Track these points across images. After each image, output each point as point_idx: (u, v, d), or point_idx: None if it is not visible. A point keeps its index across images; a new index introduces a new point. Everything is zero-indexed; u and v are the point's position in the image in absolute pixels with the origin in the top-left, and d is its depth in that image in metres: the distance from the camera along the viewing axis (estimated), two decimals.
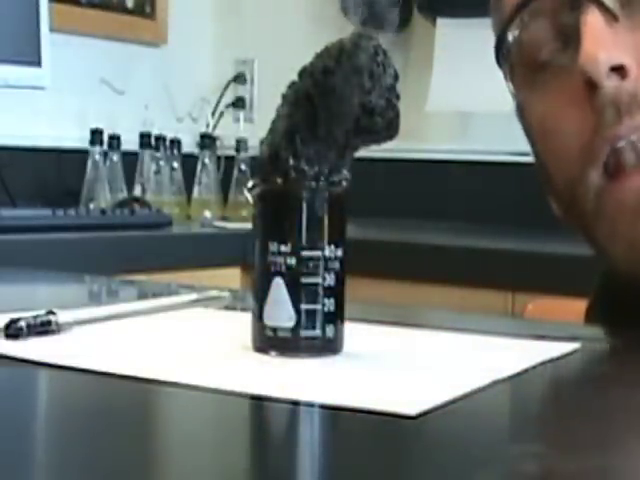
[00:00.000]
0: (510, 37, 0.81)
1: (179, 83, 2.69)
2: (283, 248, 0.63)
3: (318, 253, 0.63)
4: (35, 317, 0.69)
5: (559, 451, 0.48)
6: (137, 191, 2.36)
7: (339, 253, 0.64)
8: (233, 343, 0.67)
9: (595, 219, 0.78)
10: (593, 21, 0.76)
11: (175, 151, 2.45)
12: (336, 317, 0.64)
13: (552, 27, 0.80)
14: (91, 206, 2.19)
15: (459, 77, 2.33)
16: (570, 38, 0.78)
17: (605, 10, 0.76)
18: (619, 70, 0.75)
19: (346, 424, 0.52)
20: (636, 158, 0.76)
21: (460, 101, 2.36)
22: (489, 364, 0.65)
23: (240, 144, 2.51)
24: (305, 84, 0.63)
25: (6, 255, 1.67)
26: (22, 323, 0.67)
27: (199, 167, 2.48)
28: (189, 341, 0.71)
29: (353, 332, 0.66)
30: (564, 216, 0.83)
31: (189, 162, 2.48)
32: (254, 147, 2.17)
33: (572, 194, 0.79)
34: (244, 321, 0.66)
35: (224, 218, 2.41)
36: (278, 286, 0.63)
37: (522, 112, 0.85)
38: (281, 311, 0.63)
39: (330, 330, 0.64)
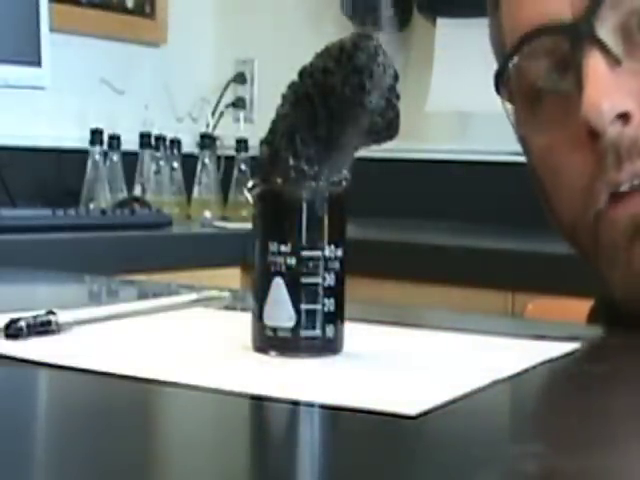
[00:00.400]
0: (510, 66, 0.81)
1: (179, 83, 2.69)
2: (283, 248, 0.63)
3: (318, 253, 0.63)
4: (35, 317, 0.69)
5: (559, 451, 0.48)
6: (137, 191, 2.36)
7: (339, 253, 0.64)
8: (233, 343, 0.67)
9: (594, 249, 0.79)
10: (595, 66, 0.75)
11: (175, 151, 2.45)
12: (336, 317, 0.64)
13: (553, 61, 0.79)
14: (91, 206, 2.19)
15: (459, 77, 2.33)
16: (571, 72, 0.77)
17: (608, 53, 0.76)
18: (622, 116, 0.75)
19: (346, 424, 0.52)
20: (631, 187, 0.76)
21: (460, 101, 2.36)
22: (489, 364, 0.65)
23: (240, 144, 2.51)
24: (305, 84, 0.63)
25: (6, 255, 1.67)
26: (22, 323, 0.67)
27: (199, 167, 2.48)
28: (189, 341, 0.71)
29: (353, 332, 0.66)
30: (568, 245, 0.83)
31: (189, 162, 2.48)
32: (254, 147, 2.17)
33: (573, 229, 0.80)
34: (244, 321, 0.66)
35: (224, 218, 2.41)
36: (278, 286, 0.63)
37: (524, 141, 0.85)
38: (281, 311, 0.63)
39: (330, 330, 0.64)
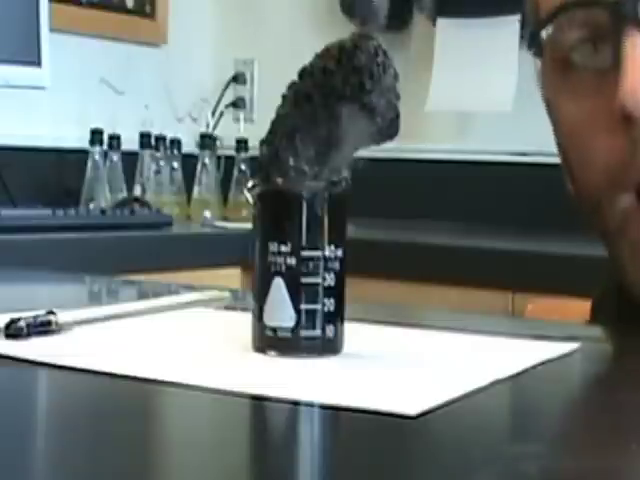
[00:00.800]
0: (544, 34, 0.80)
1: (179, 83, 2.69)
2: (283, 248, 0.63)
3: (318, 253, 0.63)
4: (35, 317, 0.69)
5: (559, 451, 0.48)
6: (137, 191, 2.36)
7: (339, 253, 0.64)
8: (233, 343, 0.67)
9: (618, 238, 0.78)
10: (635, 51, 0.74)
11: (175, 151, 2.45)
12: (336, 317, 0.64)
13: (590, 33, 0.77)
14: (91, 206, 2.19)
15: (459, 77, 2.33)
16: (608, 48, 0.76)
17: None
18: None
19: (346, 424, 0.52)
20: None
21: (460, 101, 2.36)
22: (489, 364, 0.65)
23: (240, 144, 2.51)
24: (305, 84, 0.63)
25: (6, 255, 1.67)
26: (22, 323, 0.67)
27: (199, 167, 2.48)
28: (189, 341, 0.71)
29: (353, 332, 0.66)
30: (586, 219, 0.82)
31: (189, 162, 2.48)
32: (254, 147, 2.17)
33: (597, 207, 0.78)
34: (244, 321, 0.66)
35: (224, 218, 2.41)
36: (278, 286, 0.63)
37: (551, 107, 0.83)
38: (281, 311, 0.63)
39: (330, 330, 0.64)
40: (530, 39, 0.81)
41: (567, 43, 0.78)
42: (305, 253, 0.63)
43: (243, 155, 2.50)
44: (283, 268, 0.63)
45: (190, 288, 0.95)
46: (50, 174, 2.34)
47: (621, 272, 0.79)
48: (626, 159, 0.76)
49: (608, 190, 0.77)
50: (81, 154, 2.28)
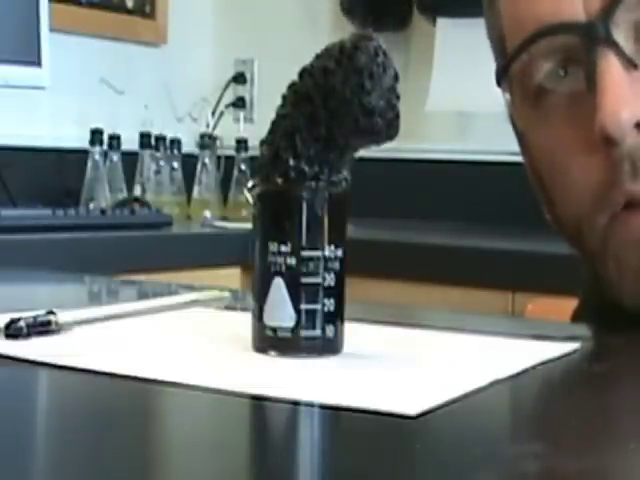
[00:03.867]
0: (515, 62, 0.79)
1: (179, 83, 2.69)
2: (283, 248, 0.63)
3: (318, 253, 0.63)
4: (35, 317, 0.69)
5: (559, 451, 0.48)
6: (137, 191, 2.36)
7: (339, 253, 0.64)
8: (233, 343, 0.67)
9: (602, 256, 0.77)
10: (612, 70, 0.73)
11: (175, 151, 2.45)
12: (336, 317, 0.64)
13: (561, 58, 0.77)
14: (91, 206, 2.19)
15: (459, 77, 2.33)
16: (582, 73, 0.75)
17: (623, 56, 0.73)
18: (638, 125, 0.73)
19: (346, 424, 0.52)
20: None
21: (460, 101, 2.36)
22: (489, 364, 0.65)
23: (240, 144, 2.51)
24: (305, 84, 0.63)
25: (6, 255, 1.67)
26: (22, 323, 0.67)
27: (199, 167, 2.48)
28: (189, 341, 0.71)
29: (353, 332, 0.66)
30: (569, 243, 0.82)
31: (189, 162, 2.48)
32: (254, 147, 2.17)
33: (578, 230, 0.78)
34: (244, 321, 0.66)
35: (224, 218, 2.41)
36: (278, 286, 0.63)
37: (524, 140, 0.83)
38: (281, 311, 0.63)
39: (330, 330, 0.64)
40: (498, 75, 0.81)
41: (538, 73, 0.78)
42: (305, 253, 0.63)
43: (243, 155, 2.50)
44: (283, 268, 0.63)
45: (190, 288, 0.95)
46: (50, 174, 2.34)
47: (611, 290, 0.79)
48: (607, 180, 0.75)
49: (589, 212, 0.76)
50: (81, 154, 2.29)
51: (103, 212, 2.00)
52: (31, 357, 0.63)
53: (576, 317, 0.89)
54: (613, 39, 0.73)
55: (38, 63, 2.03)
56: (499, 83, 0.82)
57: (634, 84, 0.73)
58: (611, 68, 0.73)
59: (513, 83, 0.81)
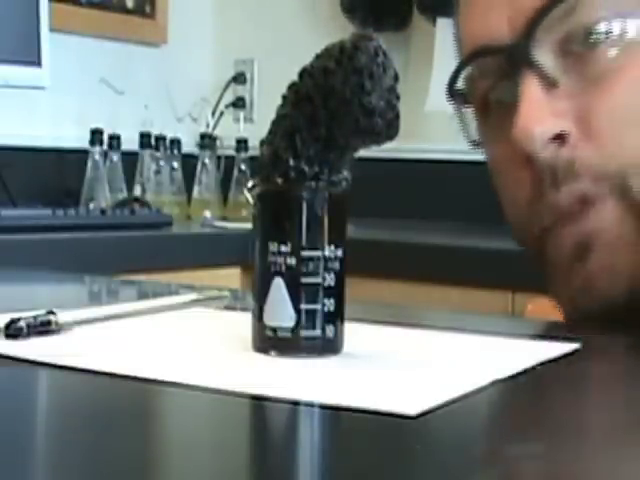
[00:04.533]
0: (461, 77, 0.82)
1: (179, 83, 2.69)
2: (283, 248, 0.63)
3: (318, 253, 0.63)
4: (35, 317, 0.69)
5: (559, 451, 0.48)
6: (137, 191, 2.37)
7: (339, 253, 0.64)
8: (233, 343, 0.67)
9: (540, 262, 0.82)
10: (530, 90, 0.76)
11: (175, 151, 2.45)
12: (336, 317, 0.64)
13: (495, 80, 0.80)
14: (91, 206, 2.19)
15: None
16: (510, 92, 0.78)
17: (544, 76, 0.76)
18: (558, 137, 0.76)
19: (346, 424, 0.52)
20: (569, 208, 0.77)
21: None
22: (489, 364, 0.65)
23: (240, 144, 2.51)
24: (305, 85, 0.63)
25: (6, 255, 1.67)
26: (22, 323, 0.67)
27: (199, 167, 2.48)
28: (189, 341, 0.71)
29: (353, 332, 0.66)
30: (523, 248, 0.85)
31: (189, 162, 2.48)
32: (254, 147, 2.17)
33: (523, 241, 0.83)
34: (244, 321, 0.66)
35: (224, 218, 2.41)
36: (278, 286, 0.63)
37: (480, 147, 0.86)
38: (281, 311, 0.63)
39: (330, 330, 0.64)
40: (449, 88, 0.84)
41: (482, 84, 0.81)
42: (305, 253, 0.63)
43: (243, 155, 2.50)
44: (283, 268, 0.63)
45: (190, 288, 0.95)
46: (50, 174, 2.34)
47: (554, 295, 0.83)
48: (535, 195, 0.79)
49: (527, 225, 0.80)
50: (81, 154, 2.29)
51: (103, 212, 2.00)
52: (31, 357, 0.63)
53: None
54: (533, 60, 0.76)
55: (38, 63, 2.03)
56: (450, 95, 0.84)
57: (555, 100, 0.76)
58: (530, 88, 0.76)
59: (466, 97, 0.84)
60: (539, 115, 0.75)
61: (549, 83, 0.76)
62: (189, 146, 2.56)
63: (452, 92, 0.83)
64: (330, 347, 0.64)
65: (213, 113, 2.70)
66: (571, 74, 0.76)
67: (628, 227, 0.76)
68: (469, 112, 0.84)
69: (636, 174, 0.76)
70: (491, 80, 0.80)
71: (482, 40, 0.80)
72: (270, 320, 0.64)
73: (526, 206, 0.79)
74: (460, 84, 0.82)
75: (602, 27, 0.76)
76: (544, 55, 0.76)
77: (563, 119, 0.76)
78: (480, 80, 0.80)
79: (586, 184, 0.76)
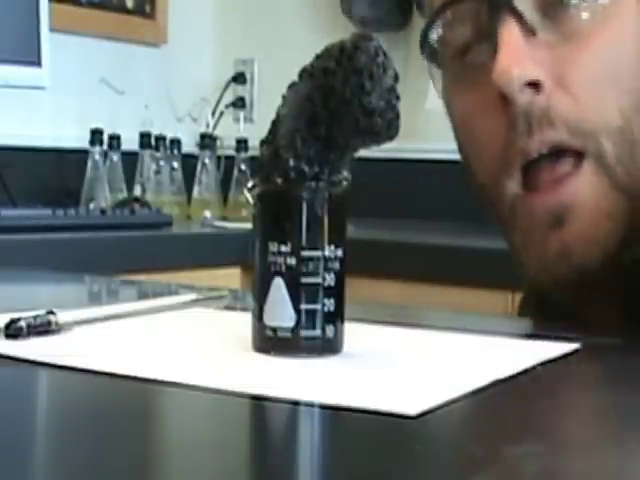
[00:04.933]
0: (435, 35, 0.82)
1: (179, 83, 2.69)
2: (283, 248, 0.63)
3: (318, 253, 0.63)
4: (35, 317, 0.69)
5: (559, 451, 0.48)
6: (137, 191, 2.36)
7: (339, 253, 0.64)
8: (233, 343, 0.67)
9: (510, 226, 0.80)
10: (510, 34, 0.76)
11: (175, 151, 2.45)
12: (336, 317, 0.64)
13: (473, 27, 0.80)
14: (91, 206, 2.19)
15: None
16: (488, 39, 0.78)
17: (523, 23, 0.76)
18: (533, 85, 0.76)
19: (346, 424, 0.52)
20: (550, 176, 0.77)
21: None
22: (489, 364, 0.65)
23: (240, 144, 2.51)
24: (305, 85, 0.63)
25: (6, 255, 1.67)
26: (22, 323, 0.67)
27: (199, 167, 2.48)
28: (189, 341, 0.71)
29: (353, 332, 0.66)
30: (486, 212, 0.84)
31: (189, 162, 2.48)
32: (254, 147, 2.17)
33: (491, 196, 0.81)
34: (244, 321, 0.66)
35: (224, 218, 2.41)
36: (278, 286, 0.63)
37: (448, 108, 0.86)
38: (281, 311, 0.63)
39: (330, 330, 0.64)
40: (421, 41, 0.83)
41: (455, 37, 0.81)
42: (305, 253, 0.63)
43: (243, 155, 2.50)
44: (283, 268, 0.63)
45: (190, 288, 0.95)
46: (50, 174, 2.34)
47: (515, 261, 0.82)
48: (505, 140, 0.78)
49: (497, 176, 0.79)
50: (81, 154, 2.29)
51: (103, 212, 2.00)
52: (31, 357, 0.63)
53: (520, 308, 0.92)
54: (513, 6, 0.77)
55: (38, 63, 2.03)
56: (422, 50, 0.84)
57: (533, 49, 0.77)
58: (510, 32, 0.76)
59: (438, 52, 0.83)
60: (519, 58, 0.76)
61: (528, 30, 0.77)
62: (189, 146, 2.56)
63: (423, 43, 0.83)
64: (330, 347, 0.64)
65: (213, 113, 2.70)
66: (549, 28, 0.77)
67: (604, 198, 0.76)
68: (442, 68, 0.84)
69: (609, 139, 0.76)
70: (468, 26, 0.80)
71: None
72: (270, 320, 0.64)
73: (496, 154, 0.79)
74: (433, 35, 0.82)
75: None
76: (525, 5, 0.77)
77: (540, 67, 0.76)
78: (455, 27, 0.80)
79: (559, 134, 0.76)
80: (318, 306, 0.64)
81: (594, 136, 0.76)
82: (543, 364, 0.65)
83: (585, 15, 0.77)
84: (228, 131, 2.66)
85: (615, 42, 0.77)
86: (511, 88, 0.75)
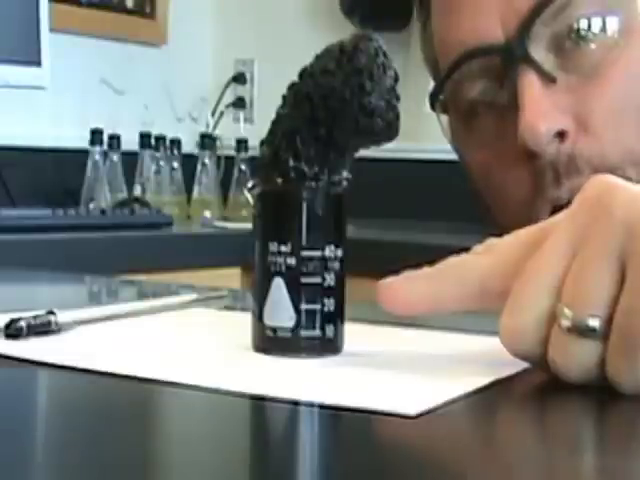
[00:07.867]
0: (446, 86, 0.82)
1: (179, 83, 2.69)
2: (283, 248, 0.63)
3: (318, 253, 0.63)
4: (35, 317, 0.69)
5: (559, 451, 0.48)
6: (137, 191, 2.37)
7: (339, 253, 0.64)
8: (233, 343, 0.67)
9: None
10: (531, 87, 0.76)
11: (175, 151, 2.46)
12: (336, 317, 0.64)
13: (487, 78, 0.80)
14: (91, 206, 2.19)
15: None
16: (505, 92, 0.78)
17: (542, 72, 0.76)
18: (559, 135, 0.76)
19: (346, 424, 0.52)
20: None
21: None
22: (489, 364, 0.65)
23: (240, 144, 2.51)
24: (305, 85, 0.63)
25: (6, 255, 1.67)
26: (22, 323, 0.67)
27: (199, 167, 2.48)
28: (189, 341, 0.71)
29: (353, 332, 0.66)
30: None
31: (189, 162, 2.48)
32: (254, 147, 2.17)
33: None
34: (244, 321, 0.66)
35: (224, 218, 2.42)
36: (278, 286, 0.63)
37: (461, 157, 0.86)
38: (281, 311, 0.63)
39: (330, 330, 0.64)
40: (432, 97, 0.84)
41: (469, 90, 0.81)
42: (305, 253, 0.63)
43: (243, 155, 2.50)
44: (283, 268, 0.63)
45: (190, 288, 0.95)
46: (50, 174, 2.34)
47: None
48: (533, 190, 0.79)
49: (525, 223, 0.79)
50: (81, 154, 2.29)
51: (103, 212, 2.01)
52: (31, 357, 0.63)
53: None
54: (530, 57, 0.77)
55: (38, 63, 2.04)
56: (432, 106, 0.84)
57: (554, 96, 0.77)
58: (530, 85, 0.76)
59: (448, 105, 0.83)
60: (543, 111, 0.76)
61: (548, 79, 0.76)
62: (189, 146, 2.56)
63: (433, 100, 0.83)
64: (330, 347, 0.64)
65: (213, 113, 2.70)
66: (566, 70, 0.77)
67: None
68: (453, 119, 0.84)
69: (634, 168, 0.76)
70: (481, 83, 0.80)
71: (472, 43, 0.79)
72: (270, 320, 0.64)
73: (523, 204, 0.79)
74: (443, 92, 0.82)
75: (595, 22, 0.77)
76: (539, 52, 0.77)
77: (563, 115, 0.76)
78: (467, 84, 0.80)
79: (587, 178, 0.77)
80: (318, 306, 0.64)
81: (621, 169, 0.76)
82: None
83: (598, 49, 0.76)
84: (228, 131, 2.66)
85: (631, 71, 0.77)
86: (539, 144, 0.75)
